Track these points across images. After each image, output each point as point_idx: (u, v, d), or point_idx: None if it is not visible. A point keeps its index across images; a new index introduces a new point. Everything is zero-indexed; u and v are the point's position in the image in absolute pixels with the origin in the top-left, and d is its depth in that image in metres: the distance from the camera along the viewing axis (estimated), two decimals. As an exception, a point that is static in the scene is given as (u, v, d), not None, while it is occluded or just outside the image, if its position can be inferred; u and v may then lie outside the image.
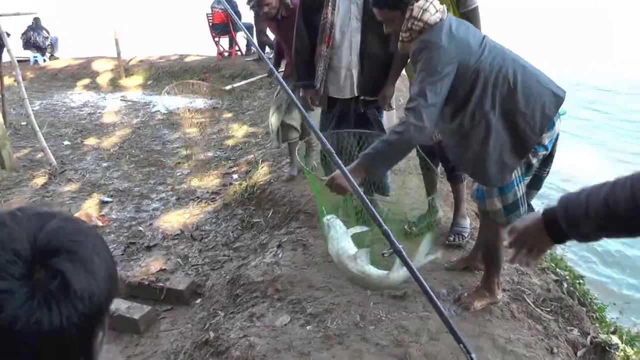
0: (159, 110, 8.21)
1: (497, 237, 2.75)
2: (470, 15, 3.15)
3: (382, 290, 2.82)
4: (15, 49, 12.27)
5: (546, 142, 2.51)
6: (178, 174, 6.17)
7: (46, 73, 11.80)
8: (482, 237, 3.05)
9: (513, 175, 2.54)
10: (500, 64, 2.46)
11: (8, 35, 7.35)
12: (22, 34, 12.08)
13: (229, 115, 8.50)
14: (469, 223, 3.62)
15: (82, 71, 11.60)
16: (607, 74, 13.93)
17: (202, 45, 12.10)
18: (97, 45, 13.05)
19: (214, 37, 10.92)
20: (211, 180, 5.87)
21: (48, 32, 12.44)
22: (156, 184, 5.93)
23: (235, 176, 5.88)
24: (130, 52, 11.89)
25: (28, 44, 12.13)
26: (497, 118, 2.46)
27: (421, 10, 2.47)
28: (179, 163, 6.49)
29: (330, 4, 3.51)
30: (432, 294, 1.75)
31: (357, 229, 2.65)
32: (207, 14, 10.67)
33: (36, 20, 12.29)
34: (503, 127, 2.47)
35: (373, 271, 2.39)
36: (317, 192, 2.94)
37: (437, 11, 2.50)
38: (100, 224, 4.96)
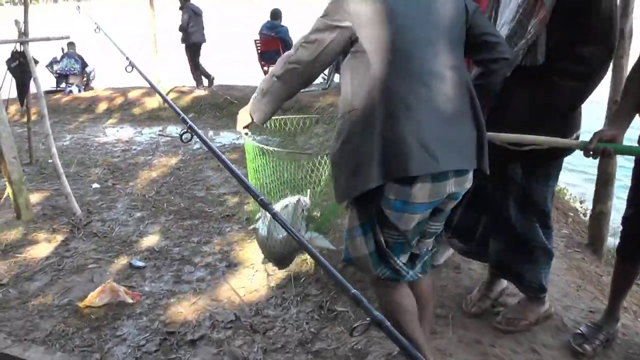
0: (201, 148, 7.06)
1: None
2: None
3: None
4: (46, 77, 11.64)
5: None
6: (227, 229, 5.00)
7: (80, 104, 10.90)
8: None
9: None
10: None
11: (36, 62, 6.41)
12: (54, 62, 11.27)
13: (282, 154, 7.35)
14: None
15: (117, 102, 10.67)
16: None
17: (248, 75, 11.09)
18: (133, 75, 12.21)
19: (262, 66, 9.91)
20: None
21: (83, 60, 11.62)
22: (200, 243, 4.77)
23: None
24: (170, 81, 10.95)
25: (62, 72, 11.32)
26: None
27: None
28: (227, 216, 5.33)
29: None
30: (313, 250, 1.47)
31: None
32: (255, 41, 9.67)
33: (71, 45, 11.48)
34: None
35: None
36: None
37: None
38: (129, 300, 3.80)
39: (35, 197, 5.95)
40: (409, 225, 1.96)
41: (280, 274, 3.99)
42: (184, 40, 10.37)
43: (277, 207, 2.87)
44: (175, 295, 3.89)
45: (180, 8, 10.27)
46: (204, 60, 10.83)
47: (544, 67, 2.27)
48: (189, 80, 11.12)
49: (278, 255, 3.07)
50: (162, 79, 10.03)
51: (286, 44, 9.48)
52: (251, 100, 2.25)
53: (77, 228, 5.14)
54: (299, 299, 3.63)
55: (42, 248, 4.75)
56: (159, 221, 5.30)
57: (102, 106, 10.68)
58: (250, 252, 4.48)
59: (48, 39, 6.47)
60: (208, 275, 4.19)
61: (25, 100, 7.03)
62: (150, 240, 4.88)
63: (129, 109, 10.36)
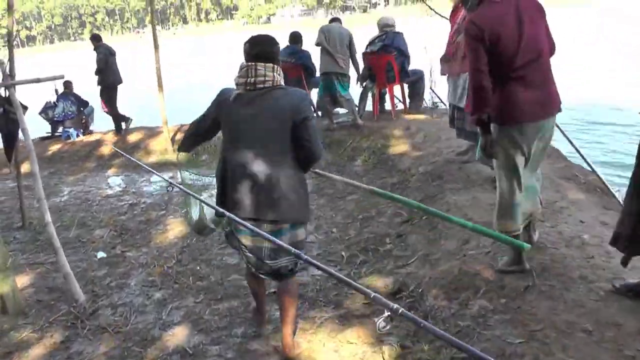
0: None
1: None
2: None
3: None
4: (40, 123, 10.49)
5: None
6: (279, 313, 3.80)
7: (79, 151, 9.74)
8: None
9: None
10: None
11: (25, 108, 5.29)
12: (49, 107, 10.15)
13: (321, 201, 6.18)
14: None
15: (120, 146, 9.50)
16: None
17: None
18: (136, 112, 11.10)
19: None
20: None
21: (81, 100, 10.48)
22: (247, 336, 3.56)
23: (383, 324, 3.48)
24: (177, 119, 9.82)
25: (58, 119, 10.17)
26: None
27: None
28: (274, 292, 4.12)
29: None
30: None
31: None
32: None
33: (67, 85, 10.34)
34: None
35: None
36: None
37: None
38: None
39: (26, 277, 4.77)
40: None
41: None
42: (100, 82, 9.79)
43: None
44: None
45: (95, 49, 9.76)
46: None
47: None
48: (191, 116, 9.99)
49: (197, 228, 3.58)
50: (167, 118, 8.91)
51: (309, 70, 8.37)
52: None
53: (80, 320, 3.95)
54: None
55: (35, 355, 3.54)
56: (186, 304, 4.10)
57: (104, 151, 9.51)
58: (318, 347, 3.27)
59: (38, 80, 5.37)
60: (267, 394, 2.98)
61: (13, 154, 5.89)
62: (178, 335, 3.68)
63: (133, 153, 9.18)
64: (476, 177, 5.36)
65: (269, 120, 2.87)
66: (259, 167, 2.90)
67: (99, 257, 5.18)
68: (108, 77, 9.64)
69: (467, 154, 5.85)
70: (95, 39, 10.00)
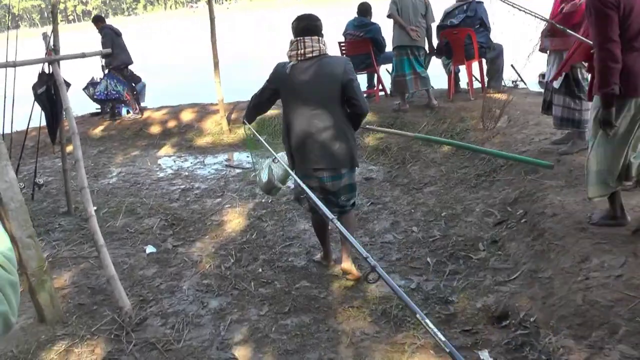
0: (289, 187, 5.16)
1: None
2: None
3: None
4: (85, 103, 10.02)
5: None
6: (361, 335, 3.13)
7: (129, 128, 9.24)
8: None
9: None
10: None
11: (68, 86, 4.76)
12: (92, 84, 9.61)
13: (395, 192, 5.46)
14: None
15: (171, 125, 8.95)
16: None
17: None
18: (190, 89, 10.53)
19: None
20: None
21: (132, 76, 9.92)
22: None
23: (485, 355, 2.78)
24: (233, 96, 9.18)
25: (99, 97, 9.61)
26: None
27: None
28: (353, 307, 3.45)
29: None
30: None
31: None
32: (339, 43, 7.79)
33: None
34: None
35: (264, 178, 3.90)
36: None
37: None
38: None
39: (68, 274, 4.26)
40: None
41: None
42: (108, 63, 9.28)
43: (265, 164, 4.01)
44: None
45: (99, 31, 9.20)
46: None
47: None
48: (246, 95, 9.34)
49: (266, 188, 4.00)
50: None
51: (378, 45, 7.55)
52: None
53: (125, 332, 3.39)
54: None
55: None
56: (248, 316, 3.48)
57: (155, 130, 8.98)
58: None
59: (83, 55, 4.85)
60: None
61: (57, 134, 5.38)
62: (240, 356, 3.07)
63: (185, 132, 8.63)
64: (580, 172, 4.44)
65: (322, 84, 3.39)
66: (319, 125, 3.43)
67: (147, 252, 4.62)
68: (116, 58, 9.11)
69: (566, 143, 5.01)
70: (98, 20, 9.44)
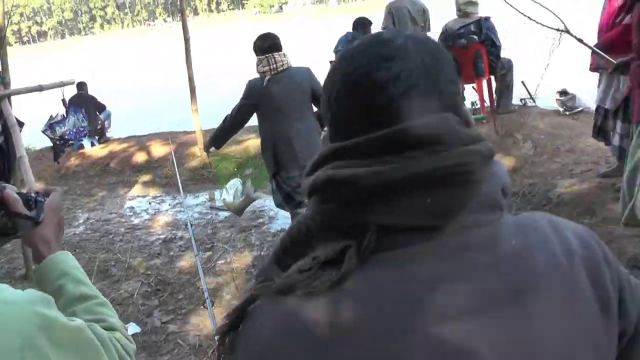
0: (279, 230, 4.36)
1: None
2: None
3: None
4: (41, 140, 8.99)
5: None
6: None
7: (95, 164, 8.27)
8: None
9: None
10: None
11: (21, 125, 3.89)
12: (55, 123, 8.61)
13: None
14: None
15: (142, 159, 8.01)
16: None
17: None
18: (154, 111, 9.62)
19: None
20: None
21: (95, 103, 8.94)
22: None
23: None
24: (211, 123, 8.28)
25: (69, 137, 8.61)
26: None
27: None
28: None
29: None
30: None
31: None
32: (330, 62, 7.04)
33: (80, 86, 8.75)
34: None
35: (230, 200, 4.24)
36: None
37: None
38: None
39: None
40: None
41: None
42: None
43: (230, 184, 4.38)
44: None
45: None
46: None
47: None
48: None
49: (235, 210, 4.38)
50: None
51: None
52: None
53: None
54: None
55: None
56: None
57: (123, 165, 8.02)
58: None
59: (41, 88, 4.01)
60: None
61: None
62: None
63: (158, 167, 7.70)
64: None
65: (296, 92, 3.82)
66: (300, 127, 3.82)
67: (130, 332, 3.71)
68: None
69: (620, 176, 4.32)
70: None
